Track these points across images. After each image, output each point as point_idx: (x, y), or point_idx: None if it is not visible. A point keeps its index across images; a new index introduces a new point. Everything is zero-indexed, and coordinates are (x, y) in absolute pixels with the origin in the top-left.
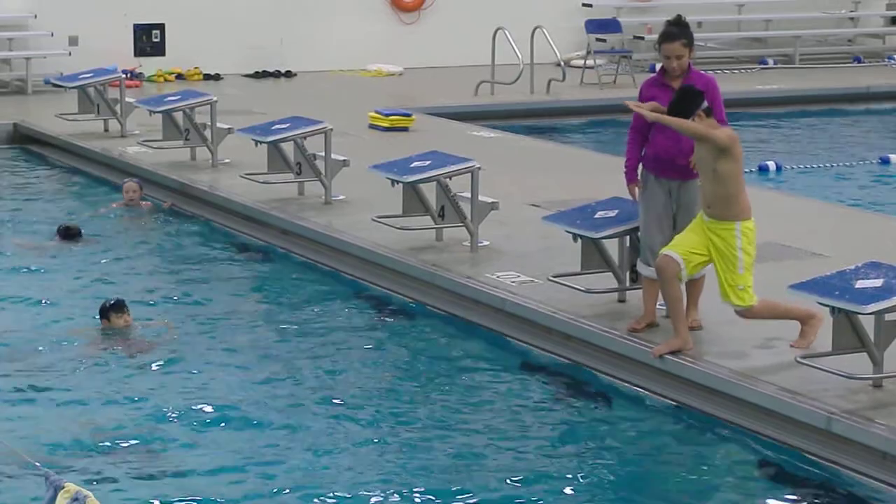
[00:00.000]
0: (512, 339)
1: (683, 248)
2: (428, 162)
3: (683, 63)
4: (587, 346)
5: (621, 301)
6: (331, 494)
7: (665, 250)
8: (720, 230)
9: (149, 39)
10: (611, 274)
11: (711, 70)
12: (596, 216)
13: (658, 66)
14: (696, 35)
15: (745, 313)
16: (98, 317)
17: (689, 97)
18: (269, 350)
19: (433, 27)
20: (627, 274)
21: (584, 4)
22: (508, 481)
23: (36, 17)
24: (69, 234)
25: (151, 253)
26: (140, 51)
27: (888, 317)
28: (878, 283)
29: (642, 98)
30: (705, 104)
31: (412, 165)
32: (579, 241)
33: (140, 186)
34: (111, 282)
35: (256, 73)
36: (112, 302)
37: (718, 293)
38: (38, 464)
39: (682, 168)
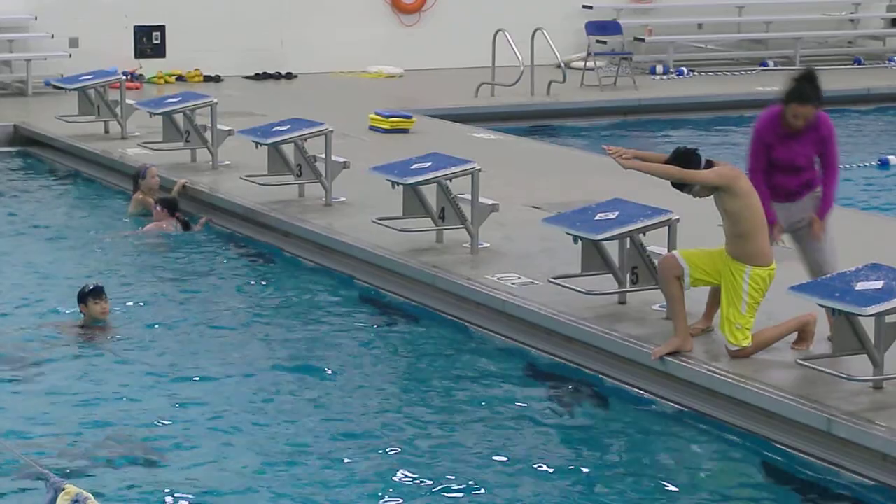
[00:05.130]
0: (512, 340)
1: (694, 262)
2: (428, 164)
3: (809, 121)
4: (587, 348)
5: (622, 303)
6: (331, 495)
7: (675, 252)
8: (733, 267)
9: (149, 41)
10: (611, 276)
11: (712, 72)
12: (596, 218)
13: (657, 69)
14: (695, 37)
15: (737, 353)
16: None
17: (685, 158)
18: (268, 352)
19: (433, 29)
20: (628, 276)
21: (584, 6)
22: (509, 482)
23: (36, 18)
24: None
25: (150, 253)
26: (140, 52)
27: (888, 318)
28: (878, 284)
29: (760, 143)
30: (704, 161)
31: (412, 167)
32: (579, 242)
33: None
34: (108, 281)
35: (257, 74)
36: (91, 287)
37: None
38: (38, 465)
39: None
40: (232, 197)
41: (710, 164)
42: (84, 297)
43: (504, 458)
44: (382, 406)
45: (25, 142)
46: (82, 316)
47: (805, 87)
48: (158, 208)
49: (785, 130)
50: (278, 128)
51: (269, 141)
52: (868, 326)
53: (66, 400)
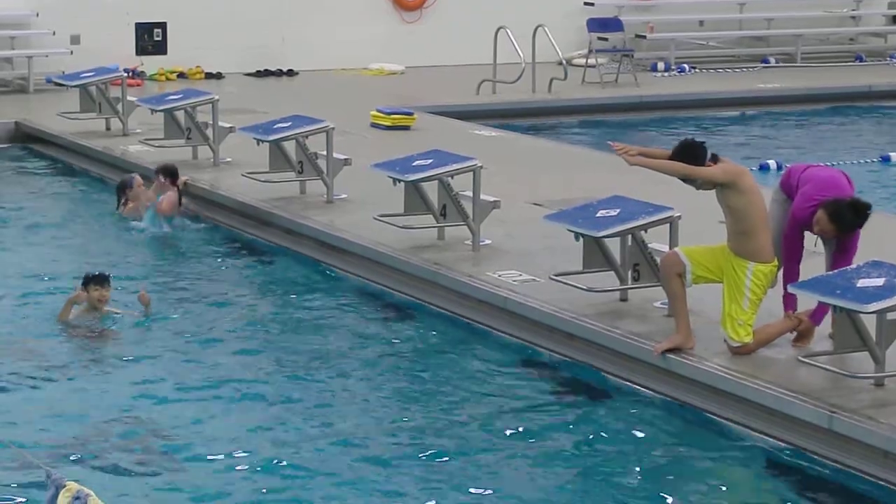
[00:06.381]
0: (514, 337)
1: (696, 259)
2: (430, 161)
3: None
4: (589, 345)
5: (623, 300)
6: (332, 491)
7: (677, 249)
8: (735, 264)
9: (150, 38)
10: (613, 273)
11: (713, 69)
12: (597, 215)
13: (659, 66)
14: (697, 34)
15: (739, 350)
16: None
17: (691, 150)
18: (269, 349)
19: (435, 26)
20: (629, 273)
21: (585, 3)
22: (510, 479)
23: (38, 15)
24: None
25: (152, 250)
26: (142, 49)
27: (890, 316)
28: (879, 281)
29: (800, 231)
30: (710, 154)
31: (414, 164)
32: (581, 239)
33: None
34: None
35: (258, 71)
36: (95, 273)
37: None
38: (39, 462)
39: None
40: (233, 194)
41: (715, 158)
42: (87, 281)
43: (505, 455)
44: (383, 402)
45: (27, 139)
46: (84, 303)
47: (846, 215)
48: (161, 178)
49: None
50: (280, 125)
51: (271, 138)
52: (869, 323)
53: (68, 396)
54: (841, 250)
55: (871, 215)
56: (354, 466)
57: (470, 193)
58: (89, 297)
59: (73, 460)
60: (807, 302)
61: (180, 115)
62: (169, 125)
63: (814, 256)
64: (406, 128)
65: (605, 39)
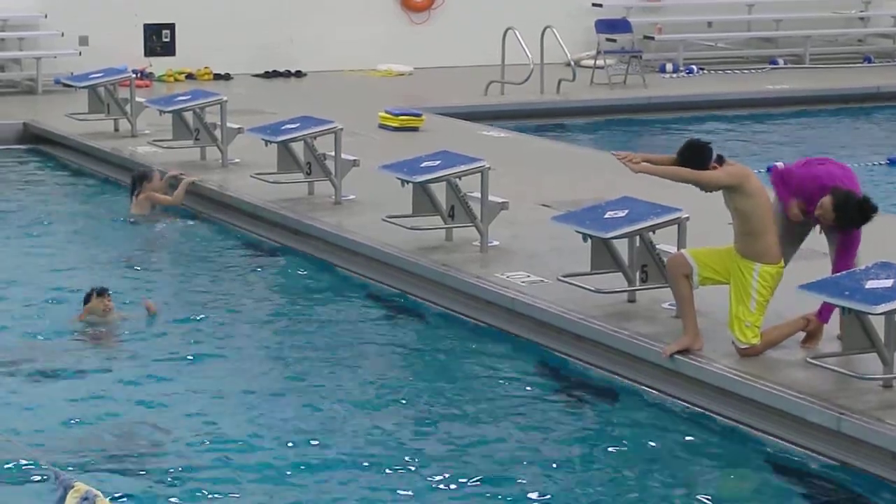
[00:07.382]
0: (521, 338)
1: (702, 260)
2: (438, 162)
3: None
4: (597, 346)
5: (631, 301)
6: (337, 492)
7: (683, 251)
8: (742, 265)
9: (159, 39)
10: (621, 274)
11: (722, 70)
12: (605, 216)
13: (667, 67)
14: (705, 35)
15: (746, 351)
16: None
17: (696, 151)
18: (277, 350)
19: (443, 27)
20: (637, 274)
21: (594, 4)
22: (517, 479)
23: (46, 16)
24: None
25: (160, 252)
26: (150, 51)
27: None
28: (888, 283)
29: (804, 192)
30: (716, 155)
31: (422, 165)
32: (589, 241)
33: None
34: (119, 280)
35: (266, 72)
36: (94, 288)
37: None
38: (47, 463)
39: None
40: (241, 195)
41: (721, 159)
42: (88, 296)
43: (512, 456)
44: (390, 403)
45: (35, 140)
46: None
47: (850, 209)
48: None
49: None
50: (288, 126)
51: (279, 139)
52: (878, 325)
53: (76, 397)
54: (844, 246)
55: (876, 218)
56: (360, 467)
57: (478, 195)
58: (93, 307)
59: (81, 461)
60: (813, 303)
61: (189, 115)
62: (177, 126)
63: (820, 258)
64: (414, 129)
65: (614, 41)
